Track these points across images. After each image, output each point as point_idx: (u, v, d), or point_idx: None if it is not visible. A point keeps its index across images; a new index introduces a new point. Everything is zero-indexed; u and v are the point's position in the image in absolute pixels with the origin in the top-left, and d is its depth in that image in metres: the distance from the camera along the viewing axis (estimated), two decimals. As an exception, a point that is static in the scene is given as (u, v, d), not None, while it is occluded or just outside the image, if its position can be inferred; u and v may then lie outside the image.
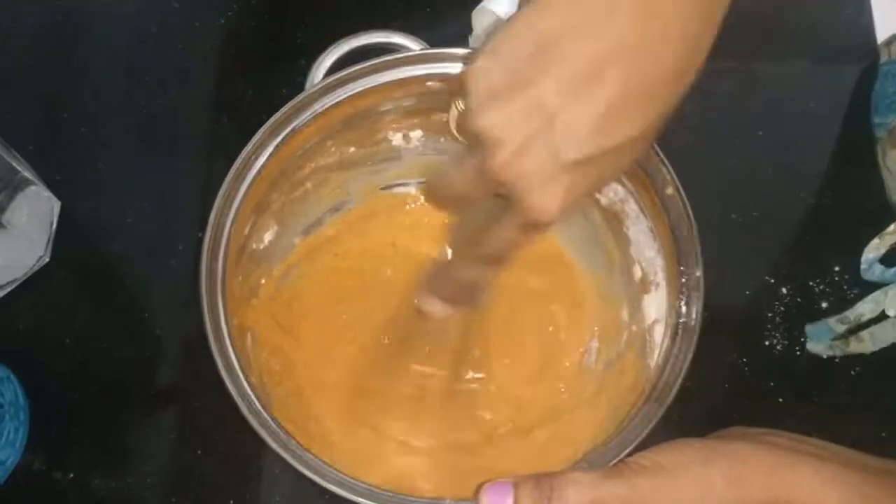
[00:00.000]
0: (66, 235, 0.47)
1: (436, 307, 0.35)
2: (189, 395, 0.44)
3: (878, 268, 0.45)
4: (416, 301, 0.35)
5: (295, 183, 0.43)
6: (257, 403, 0.34)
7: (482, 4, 0.51)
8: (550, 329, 0.44)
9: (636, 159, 0.29)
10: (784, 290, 0.47)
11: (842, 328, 0.45)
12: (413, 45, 0.42)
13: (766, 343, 0.46)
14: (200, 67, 0.53)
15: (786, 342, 0.46)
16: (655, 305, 0.40)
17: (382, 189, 0.47)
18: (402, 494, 0.32)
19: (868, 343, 0.44)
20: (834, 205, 0.50)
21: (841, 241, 0.48)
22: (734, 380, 0.45)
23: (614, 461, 0.32)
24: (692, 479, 0.29)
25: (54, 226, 0.47)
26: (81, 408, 0.44)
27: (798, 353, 0.46)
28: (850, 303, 0.45)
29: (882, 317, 0.44)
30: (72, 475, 0.43)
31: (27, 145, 0.47)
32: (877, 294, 0.44)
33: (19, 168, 0.45)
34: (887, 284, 0.44)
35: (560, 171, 0.27)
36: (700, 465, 0.29)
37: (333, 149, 0.43)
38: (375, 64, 0.40)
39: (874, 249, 0.45)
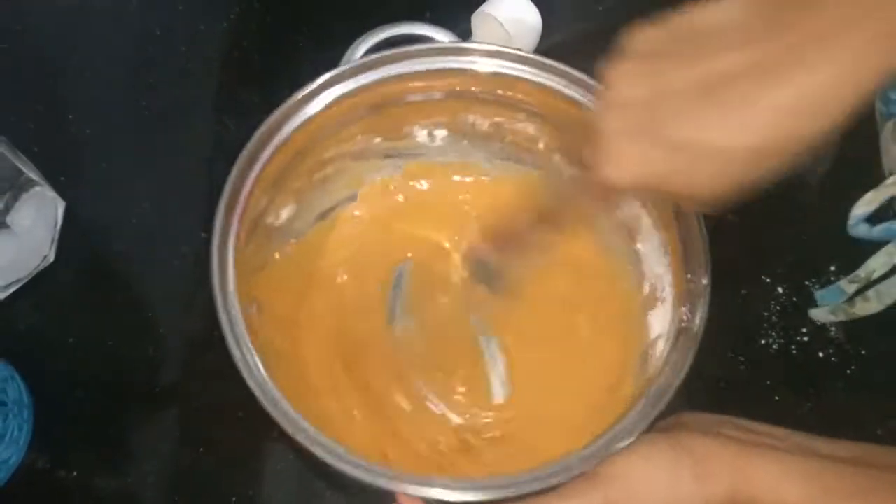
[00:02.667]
0: (70, 235, 0.48)
1: (489, 256, 0.35)
2: (192, 394, 0.45)
3: (864, 226, 0.43)
4: (466, 251, 0.35)
5: (316, 164, 0.43)
6: (255, 358, 0.34)
7: (482, 8, 0.52)
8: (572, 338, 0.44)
9: (732, 183, 0.27)
10: (780, 290, 0.47)
11: (853, 288, 0.43)
12: (443, 37, 0.43)
13: (763, 342, 0.46)
14: (203, 69, 0.53)
15: (782, 341, 0.46)
16: (659, 321, 0.40)
17: (401, 185, 0.47)
18: (392, 471, 0.32)
19: (874, 302, 0.42)
20: (830, 204, 0.50)
21: (837, 240, 0.48)
22: (731, 379, 0.45)
23: (598, 461, 0.32)
24: (662, 482, 0.30)
25: (59, 226, 0.48)
26: (85, 407, 0.44)
27: (794, 352, 0.46)
28: (848, 303, 0.46)
29: (894, 272, 0.42)
30: (75, 474, 0.43)
31: (32, 146, 0.48)
32: (889, 247, 0.42)
33: (24, 169, 0.45)
34: (873, 243, 0.42)
35: (648, 139, 0.27)
36: (669, 466, 0.31)
37: (359, 136, 0.43)
38: (408, 51, 0.40)
39: (865, 204, 0.43)
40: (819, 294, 0.45)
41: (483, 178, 0.47)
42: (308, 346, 0.43)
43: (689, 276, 0.37)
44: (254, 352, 0.34)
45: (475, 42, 0.41)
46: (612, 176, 0.28)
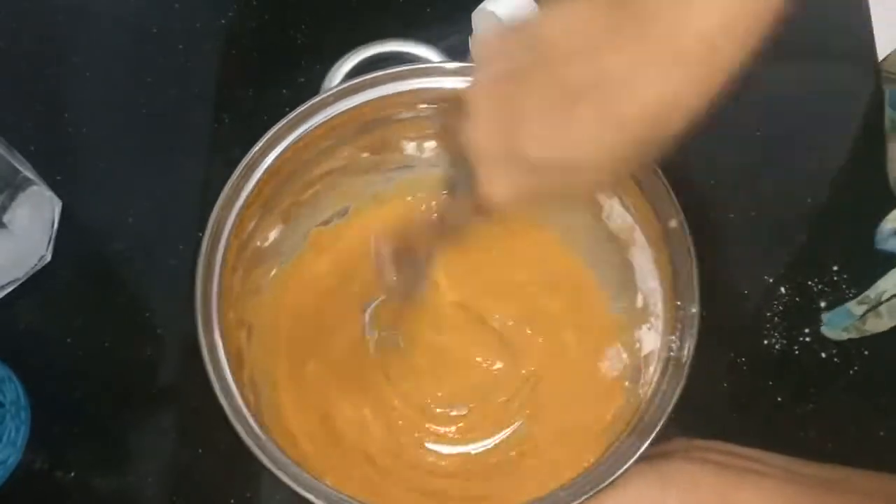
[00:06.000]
0: (67, 235, 0.48)
1: (388, 266, 0.36)
2: (190, 394, 0.44)
3: (893, 240, 0.44)
4: (374, 254, 0.36)
5: (304, 184, 0.43)
6: (239, 399, 0.34)
7: (482, 5, 0.52)
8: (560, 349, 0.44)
9: (602, 181, 0.30)
10: (782, 290, 0.47)
11: (862, 309, 0.43)
12: (433, 55, 0.42)
13: (765, 343, 0.46)
14: (201, 68, 0.53)
15: (784, 342, 0.46)
16: (652, 337, 0.39)
17: (392, 197, 0.47)
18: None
19: (885, 319, 0.43)
20: (832, 204, 0.50)
21: (839, 240, 0.48)
22: (733, 379, 0.45)
23: (588, 496, 0.32)
24: None
25: (56, 225, 0.47)
26: (83, 407, 0.44)
27: (797, 352, 0.46)
28: (860, 320, 0.45)
29: None
30: (73, 474, 0.43)
31: (28, 145, 0.48)
32: None
33: (21, 168, 0.45)
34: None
35: (514, 163, 0.28)
36: (655, 496, 0.32)
37: (346, 153, 0.43)
38: (393, 73, 0.40)
39: (894, 220, 0.44)
40: (826, 317, 0.46)
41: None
42: (295, 368, 0.43)
43: (678, 302, 0.36)
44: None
45: (454, 62, 0.41)
46: (491, 198, 0.29)
